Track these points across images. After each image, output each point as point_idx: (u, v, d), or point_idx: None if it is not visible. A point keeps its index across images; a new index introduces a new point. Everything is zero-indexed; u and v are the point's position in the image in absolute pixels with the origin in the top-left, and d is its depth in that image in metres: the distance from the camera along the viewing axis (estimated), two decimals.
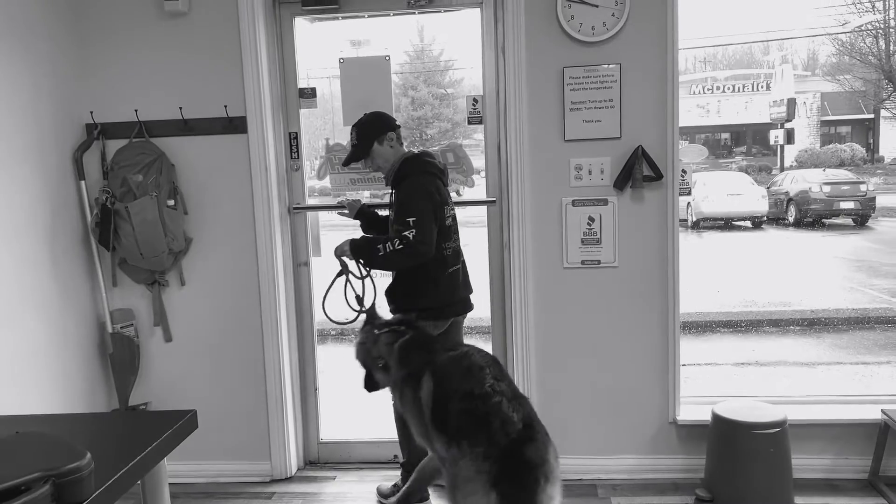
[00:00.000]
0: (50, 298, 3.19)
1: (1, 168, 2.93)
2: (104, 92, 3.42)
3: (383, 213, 3.28)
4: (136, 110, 3.40)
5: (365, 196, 3.73)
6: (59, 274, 3.26)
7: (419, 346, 2.64)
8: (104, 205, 3.31)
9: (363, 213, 3.29)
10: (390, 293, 3.07)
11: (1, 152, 2.93)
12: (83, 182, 3.39)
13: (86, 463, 1.28)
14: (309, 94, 3.53)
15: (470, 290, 3.20)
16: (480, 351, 2.54)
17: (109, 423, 2.07)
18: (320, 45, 3.95)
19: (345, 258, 3.08)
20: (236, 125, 3.39)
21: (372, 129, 3.04)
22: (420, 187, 2.94)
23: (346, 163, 3.15)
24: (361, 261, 3.06)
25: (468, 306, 3.18)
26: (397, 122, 3.11)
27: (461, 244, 3.18)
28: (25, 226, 3.06)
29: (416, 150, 3.13)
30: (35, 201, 3.12)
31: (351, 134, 3.09)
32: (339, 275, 3.13)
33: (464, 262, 3.17)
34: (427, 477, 2.91)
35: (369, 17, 3.59)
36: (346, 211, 3.34)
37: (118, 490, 1.38)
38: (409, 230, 2.83)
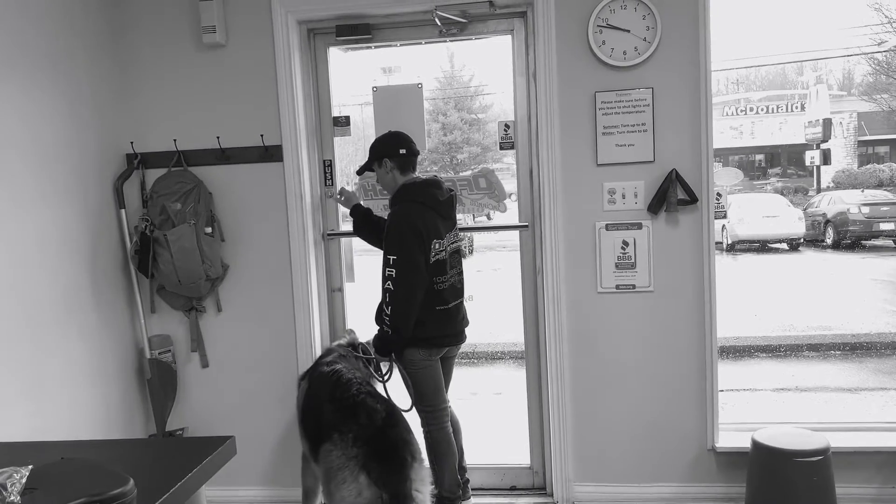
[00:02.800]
0: (90, 324, 3.26)
1: (45, 197, 3.01)
2: (144, 122, 3.52)
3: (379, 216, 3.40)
4: (174, 140, 3.48)
5: None
6: (100, 300, 3.33)
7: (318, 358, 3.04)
8: (143, 232, 3.38)
9: (357, 211, 3.34)
10: (378, 318, 3.06)
11: (45, 182, 3.02)
12: (123, 210, 3.47)
13: (129, 489, 1.30)
14: (343, 123, 3.58)
15: (466, 323, 3.23)
16: (352, 370, 2.86)
17: (150, 449, 2.10)
18: (352, 73, 4.01)
19: (377, 359, 3.11)
20: (272, 153, 3.45)
21: (374, 150, 3.14)
22: (402, 218, 2.97)
23: (358, 172, 3.28)
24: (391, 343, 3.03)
25: (461, 339, 3.21)
26: (403, 150, 3.07)
27: (463, 280, 3.20)
28: (68, 253, 3.13)
29: (421, 177, 3.13)
30: (77, 229, 3.20)
31: None
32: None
33: (462, 297, 3.20)
34: (311, 491, 3.09)
35: (401, 45, 3.65)
36: (342, 198, 3.43)
37: None
38: (388, 279, 2.93)
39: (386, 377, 3.10)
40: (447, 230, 3.08)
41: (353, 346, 3.17)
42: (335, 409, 2.62)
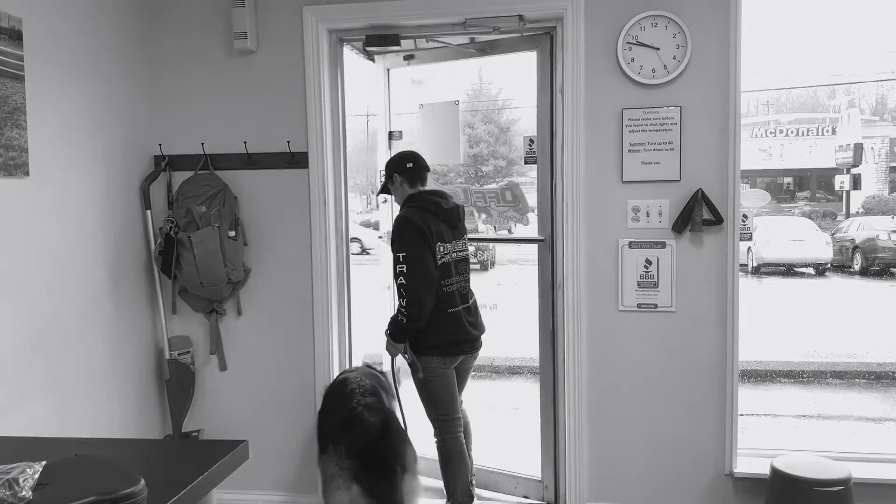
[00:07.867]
0: (111, 323, 3.29)
1: (72, 196, 3.05)
2: (173, 125, 3.55)
3: None
4: (202, 143, 3.51)
5: None
6: (122, 299, 3.36)
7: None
8: (168, 234, 3.41)
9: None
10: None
11: (73, 181, 3.06)
12: (149, 212, 3.50)
13: (140, 489, 1.30)
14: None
15: (481, 330, 3.28)
16: (363, 377, 3.04)
17: (162, 450, 2.11)
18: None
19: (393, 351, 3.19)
20: (298, 160, 3.47)
21: (386, 169, 3.30)
22: (404, 220, 3.07)
23: (376, 193, 3.40)
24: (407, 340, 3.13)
25: (476, 346, 3.26)
26: (410, 164, 3.21)
27: (468, 287, 3.26)
28: (93, 252, 3.17)
29: (426, 189, 3.24)
30: (103, 229, 3.24)
31: None
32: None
33: (474, 302, 3.27)
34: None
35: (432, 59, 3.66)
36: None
37: None
38: (399, 275, 3.00)
39: (409, 359, 3.14)
40: (454, 238, 3.18)
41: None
42: (335, 422, 2.85)
